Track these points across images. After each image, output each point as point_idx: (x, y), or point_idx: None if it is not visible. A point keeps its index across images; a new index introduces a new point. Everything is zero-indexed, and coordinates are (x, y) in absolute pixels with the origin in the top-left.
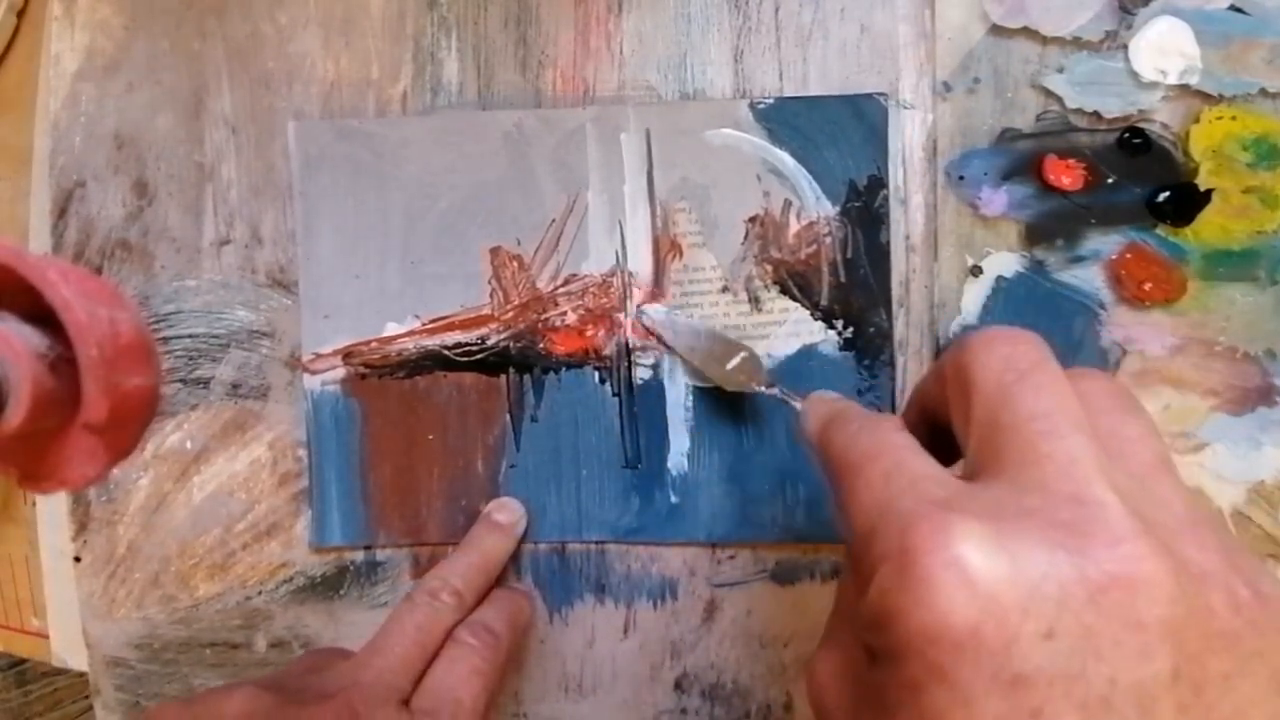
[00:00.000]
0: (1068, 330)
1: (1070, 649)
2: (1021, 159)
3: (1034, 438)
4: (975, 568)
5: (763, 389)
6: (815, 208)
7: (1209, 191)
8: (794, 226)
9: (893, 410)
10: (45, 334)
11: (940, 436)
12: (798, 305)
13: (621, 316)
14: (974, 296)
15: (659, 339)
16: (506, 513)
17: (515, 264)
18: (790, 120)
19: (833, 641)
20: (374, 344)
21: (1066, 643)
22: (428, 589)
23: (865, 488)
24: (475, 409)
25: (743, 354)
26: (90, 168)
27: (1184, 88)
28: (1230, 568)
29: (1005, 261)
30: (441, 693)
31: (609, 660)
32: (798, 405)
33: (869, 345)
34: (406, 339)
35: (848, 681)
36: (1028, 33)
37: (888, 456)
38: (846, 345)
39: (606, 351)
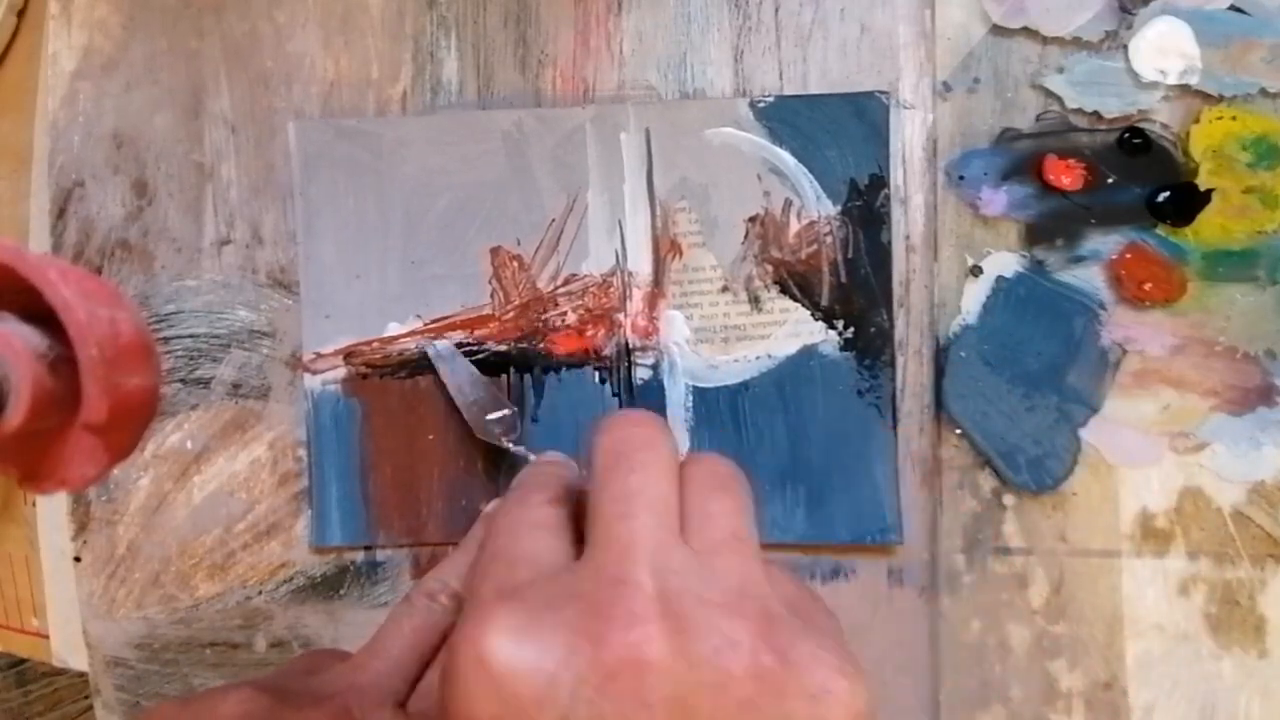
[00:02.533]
0: (1068, 330)
1: None
2: (1021, 159)
3: (611, 519)
4: (498, 662)
5: (510, 446)
6: (816, 207)
7: (1209, 191)
8: (794, 226)
9: (893, 413)
10: (45, 334)
11: None
12: (798, 305)
13: (621, 317)
14: (974, 296)
15: (434, 371)
16: None
17: (515, 264)
18: (791, 119)
19: None
20: (375, 344)
21: None
22: (425, 590)
23: (480, 567)
24: None
25: (504, 411)
26: (89, 167)
27: (1184, 88)
28: (760, 637)
29: (1005, 261)
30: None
31: None
32: (531, 457)
33: (869, 345)
34: (407, 339)
35: None
36: (1028, 33)
37: (508, 536)
38: (847, 345)
39: (606, 352)
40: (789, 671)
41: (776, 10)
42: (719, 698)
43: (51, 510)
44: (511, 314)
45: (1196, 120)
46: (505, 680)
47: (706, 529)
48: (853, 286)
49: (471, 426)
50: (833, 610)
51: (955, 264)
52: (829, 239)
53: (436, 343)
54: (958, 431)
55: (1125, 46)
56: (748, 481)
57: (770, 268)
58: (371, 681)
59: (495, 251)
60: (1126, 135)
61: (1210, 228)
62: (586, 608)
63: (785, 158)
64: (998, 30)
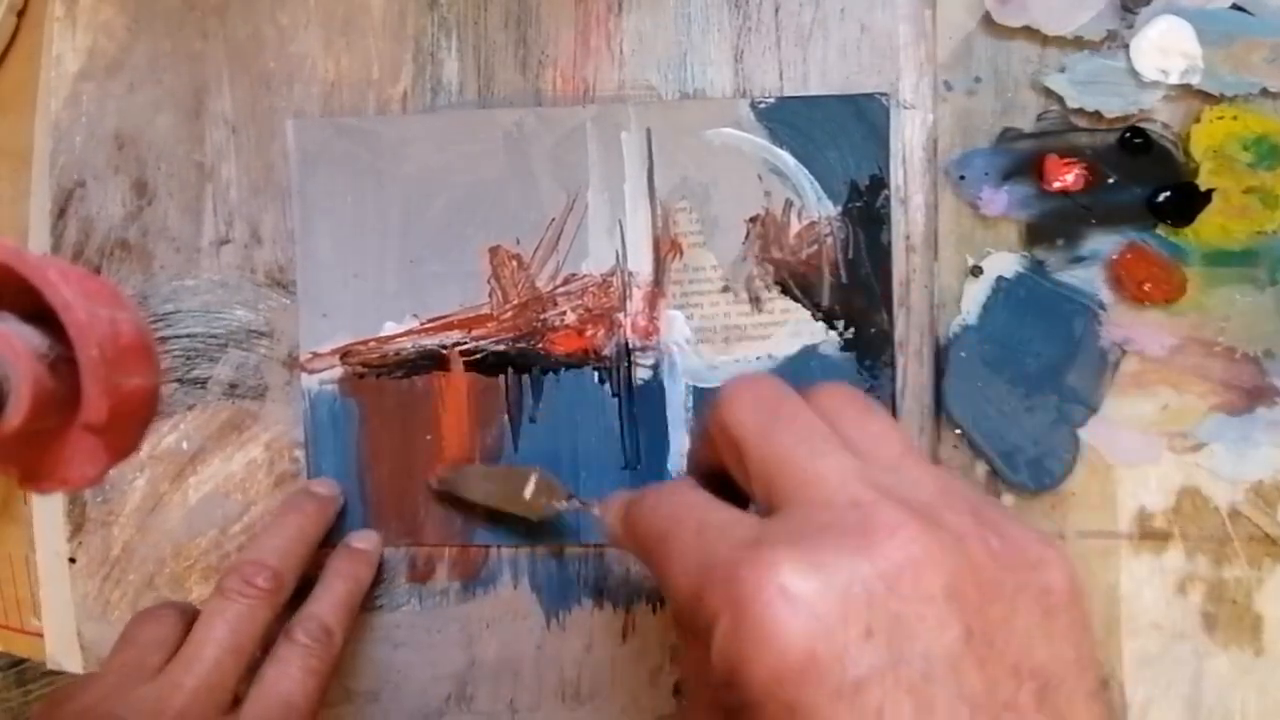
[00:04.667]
0: (1068, 330)
1: (888, 639)
2: (1022, 159)
3: (803, 461)
4: (796, 592)
5: (563, 505)
6: (816, 207)
7: (1209, 191)
8: (795, 226)
9: (893, 413)
10: (45, 334)
11: (726, 489)
12: (799, 305)
13: (621, 317)
14: (974, 296)
15: (454, 501)
16: (325, 487)
17: (514, 263)
18: (791, 120)
19: (692, 712)
20: (372, 343)
21: (884, 635)
22: (241, 575)
23: (680, 551)
24: (473, 409)
25: (534, 476)
26: (91, 167)
27: (1185, 87)
28: (980, 524)
29: (1005, 261)
30: (273, 698)
31: (608, 665)
32: (595, 512)
33: (870, 346)
34: (405, 338)
35: None
36: (1029, 32)
37: (692, 515)
38: (847, 346)
39: (606, 352)
40: (1011, 549)
41: (776, 10)
42: (976, 579)
43: (47, 511)
44: (510, 313)
45: (1197, 120)
46: (811, 607)
47: (879, 449)
48: (853, 287)
49: (524, 514)
50: None
51: (955, 264)
52: (829, 239)
53: (436, 476)
54: (957, 431)
55: (1127, 46)
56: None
57: (771, 268)
58: (189, 703)
59: (494, 251)
60: (1127, 135)
61: (1210, 228)
62: (844, 532)
63: (786, 158)
64: (998, 30)
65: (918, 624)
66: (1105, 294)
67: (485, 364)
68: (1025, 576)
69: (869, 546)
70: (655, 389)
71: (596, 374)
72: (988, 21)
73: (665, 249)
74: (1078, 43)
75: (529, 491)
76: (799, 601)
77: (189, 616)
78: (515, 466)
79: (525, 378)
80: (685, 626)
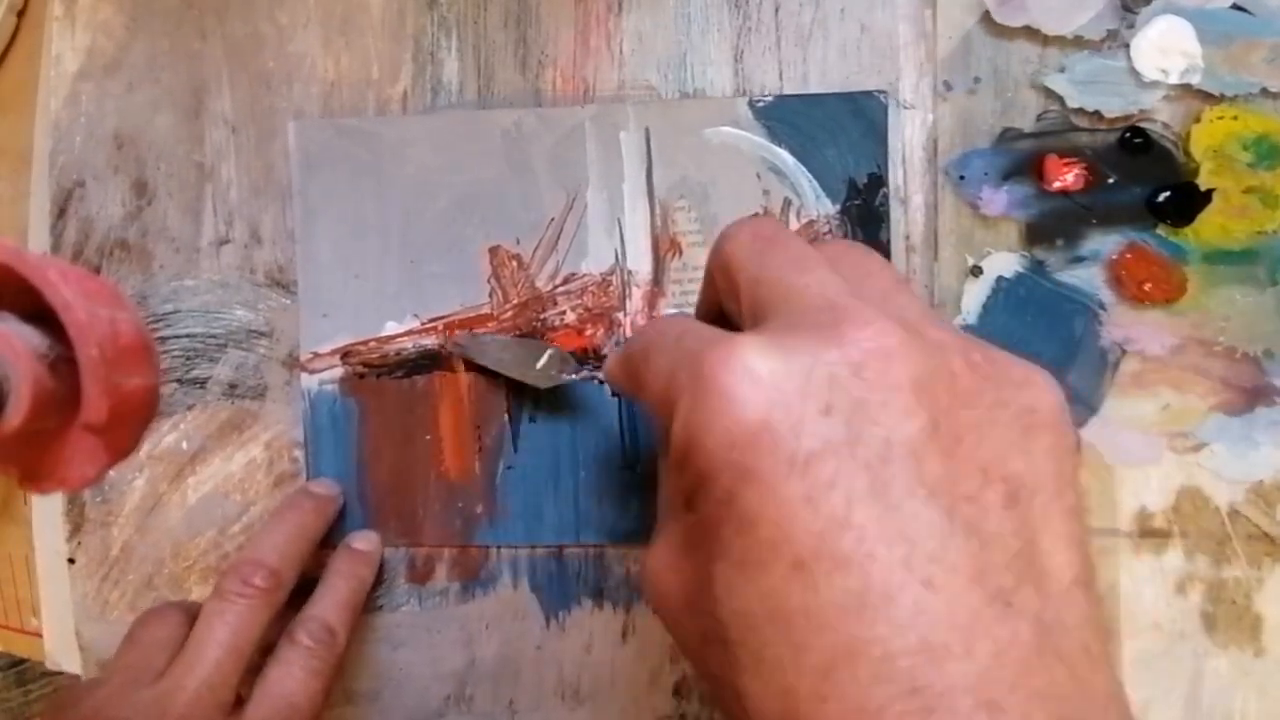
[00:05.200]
0: (1068, 330)
1: (847, 419)
2: (1022, 159)
3: (789, 276)
4: (757, 368)
5: (574, 376)
6: (815, 206)
7: (1209, 191)
8: (794, 225)
9: None
10: (45, 334)
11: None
12: None
13: (621, 316)
14: (974, 296)
15: (468, 362)
16: (324, 487)
17: (514, 263)
18: (790, 118)
19: (659, 533)
20: (372, 343)
21: (843, 415)
22: (240, 575)
23: (659, 355)
24: (473, 409)
25: (549, 351)
26: (90, 167)
27: (1185, 87)
28: (964, 340)
29: (1005, 261)
30: (277, 699)
31: (607, 665)
32: (601, 375)
33: None
34: (405, 338)
35: (677, 557)
36: (1028, 32)
37: (674, 327)
38: None
39: (606, 351)
40: (996, 366)
41: (776, 10)
42: (950, 384)
43: (47, 511)
44: (510, 313)
45: (1198, 120)
46: (770, 381)
47: (871, 281)
48: None
49: (534, 384)
50: None
51: (955, 264)
52: (828, 237)
53: (458, 335)
54: None
55: (1127, 46)
56: None
57: None
58: (191, 704)
59: (494, 250)
60: (1127, 135)
61: (1210, 228)
62: (817, 325)
63: (784, 157)
64: (998, 29)
65: (880, 409)
66: (1105, 294)
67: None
68: (1007, 393)
69: (838, 336)
70: None
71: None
72: (988, 21)
73: (664, 248)
74: (1078, 43)
75: (542, 362)
76: (758, 375)
77: (192, 615)
78: (533, 341)
79: None
80: (660, 436)
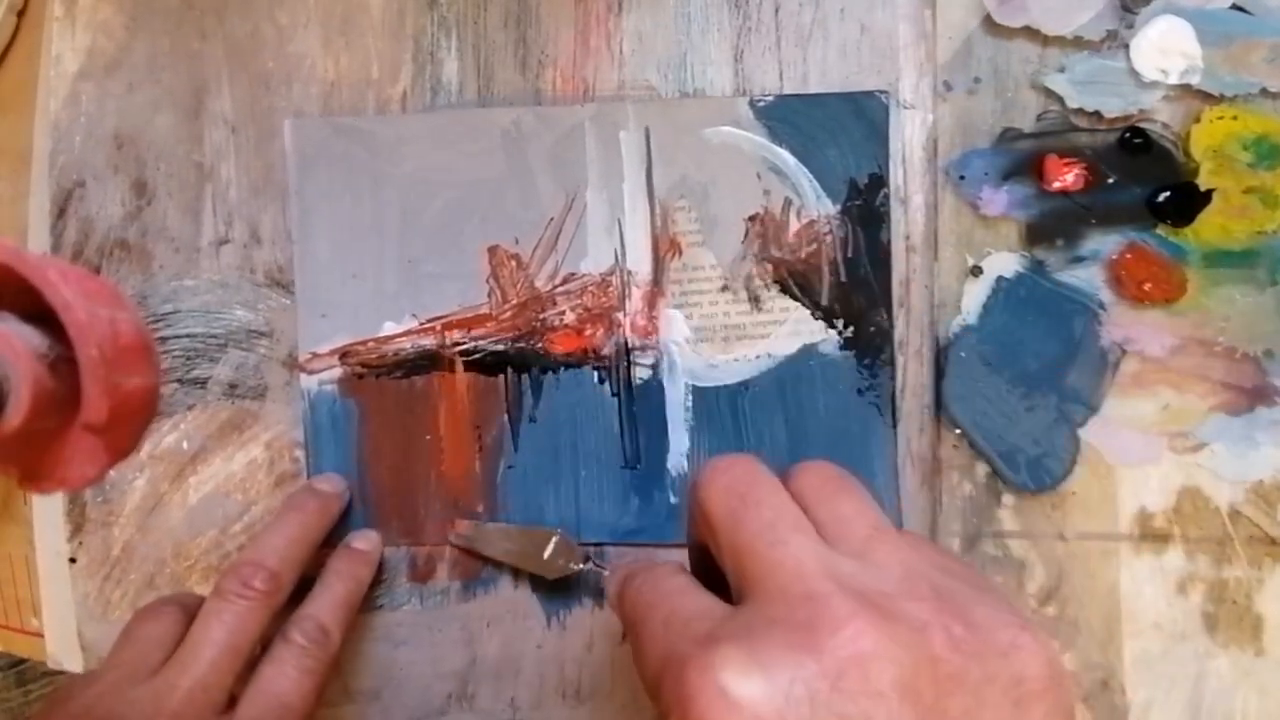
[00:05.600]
0: (1068, 330)
1: None
2: (1022, 159)
3: (764, 550)
4: (735, 693)
5: (581, 566)
6: (815, 206)
7: (1209, 191)
8: (794, 225)
9: (893, 412)
10: (45, 334)
11: (714, 560)
12: (798, 304)
13: (621, 316)
14: (974, 296)
15: (471, 553)
16: (330, 483)
17: (513, 263)
18: (790, 118)
19: None
20: (371, 343)
21: None
22: (239, 576)
23: (649, 639)
24: (473, 409)
25: (554, 538)
26: (90, 167)
27: (1185, 87)
28: (943, 611)
29: (1005, 261)
30: (269, 698)
31: (608, 664)
32: (606, 574)
33: (869, 345)
34: (404, 338)
35: None
36: (1028, 32)
37: (665, 603)
38: (847, 345)
39: (605, 351)
40: (978, 636)
41: (776, 10)
42: (934, 672)
43: (47, 511)
44: (509, 313)
45: (1197, 120)
46: (749, 709)
47: (847, 532)
48: (852, 286)
49: (541, 574)
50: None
51: (955, 264)
52: (829, 238)
53: (456, 531)
54: (957, 431)
55: (1126, 46)
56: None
57: (770, 267)
58: (184, 703)
59: (493, 250)
60: (1127, 135)
61: (1210, 228)
62: (792, 628)
63: (785, 157)
64: (998, 30)
65: None
66: (1105, 294)
67: (485, 364)
68: (993, 666)
69: (815, 643)
70: (655, 388)
71: (596, 373)
72: (988, 21)
73: (664, 248)
74: (1078, 43)
75: (548, 553)
76: (738, 705)
77: (190, 611)
78: (536, 528)
79: (525, 377)
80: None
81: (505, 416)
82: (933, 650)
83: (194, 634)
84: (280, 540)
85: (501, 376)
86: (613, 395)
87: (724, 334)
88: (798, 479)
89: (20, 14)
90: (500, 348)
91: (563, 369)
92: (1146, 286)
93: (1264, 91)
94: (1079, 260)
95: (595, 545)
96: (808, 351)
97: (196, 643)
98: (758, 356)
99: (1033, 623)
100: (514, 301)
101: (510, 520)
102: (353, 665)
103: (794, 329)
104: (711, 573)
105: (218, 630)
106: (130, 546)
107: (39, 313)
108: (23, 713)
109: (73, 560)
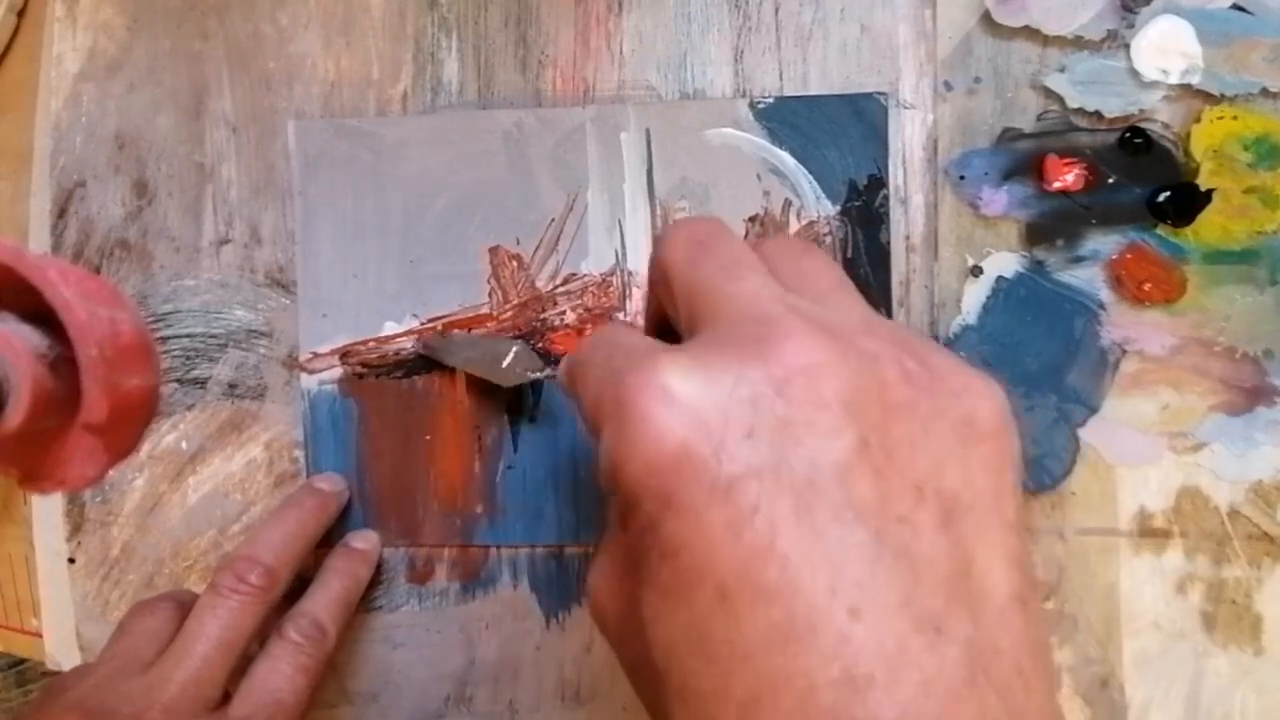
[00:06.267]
0: (1068, 330)
1: (770, 441)
2: (1022, 159)
3: (720, 284)
4: (676, 390)
5: (538, 374)
6: (815, 207)
7: (1209, 191)
8: (794, 226)
9: None
10: (45, 334)
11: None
12: None
13: (621, 316)
14: (974, 296)
15: (439, 362)
16: (329, 482)
17: (514, 263)
18: (790, 120)
19: (601, 549)
20: (372, 343)
21: (766, 437)
22: (235, 571)
23: (590, 374)
24: (473, 410)
25: (515, 348)
26: (91, 168)
27: (1185, 87)
28: (899, 348)
29: (1005, 261)
30: (263, 694)
31: (607, 665)
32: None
33: None
34: (404, 339)
35: (612, 578)
36: (1029, 32)
37: (607, 342)
38: None
39: None
40: (933, 376)
41: (776, 10)
42: (881, 396)
43: (47, 511)
44: (510, 313)
45: (1198, 120)
46: (689, 404)
47: (809, 283)
48: None
49: (500, 382)
50: None
51: (955, 264)
52: (828, 239)
53: (422, 339)
54: None
55: (1127, 46)
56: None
57: None
58: (177, 696)
59: (494, 251)
60: (1127, 135)
61: (1210, 228)
62: (742, 341)
63: (785, 158)
64: (998, 29)
65: (805, 429)
66: (1105, 294)
67: None
68: (945, 403)
69: (762, 352)
70: None
71: None
72: (988, 21)
73: None
74: (1078, 43)
75: (507, 360)
76: (677, 399)
77: (186, 606)
78: (500, 339)
79: None
80: (595, 446)
81: (505, 417)
82: (884, 376)
83: (188, 628)
84: (277, 536)
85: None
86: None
87: None
88: (763, 245)
89: (20, 14)
90: None
91: None
92: (1146, 286)
93: (1264, 91)
94: (1079, 260)
95: (596, 548)
96: None
97: (190, 637)
98: None
99: (989, 377)
100: (515, 302)
101: (510, 522)
102: (350, 666)
103: None
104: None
105: (212, 625)
106: (129, 547)
107: (39, 313)
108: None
109: (71, 560)
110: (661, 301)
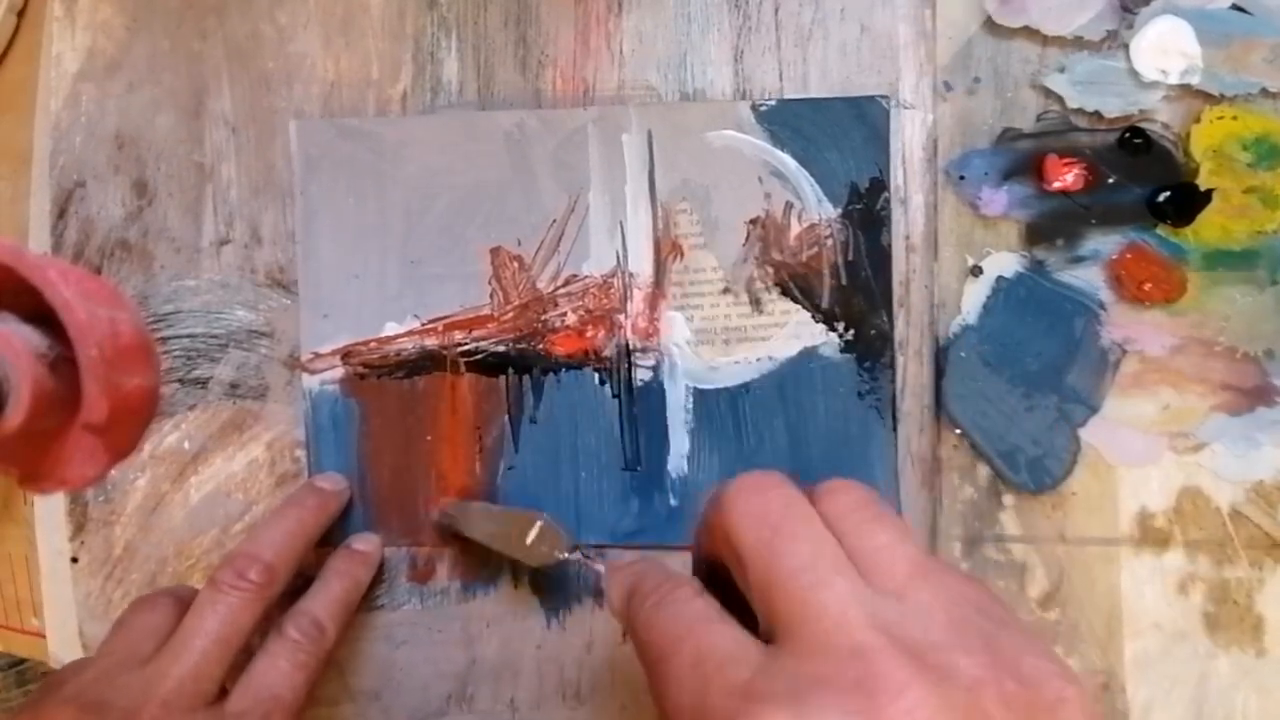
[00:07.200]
0: (1068, 330)
1: None
2: (1022, 159)
3: (803, 593)
4: None
5: (566, 555)
6: (816, 210)
7: (1209, 191)
8: (795, 228)
9: (893, 415)
10: (45, 334)
11: (730, 582)
12: (799, 307)
13: (622, 318)
14: (974, 296)
15: (456, 535)
16: (330, 481)
17: (515, 264)
18: (792, 122)
19: None
20: (373, 344)
21: None
22: (235, 568)
23: (676, 681)
24: (474, 410)
25: (539, 523)
26: (91, 168)
27: (1185, 87)
28: (995, 665)
29: (1005, 261)
30: (260, 690)
31: (608, 665)
32: (599, 568)
33: (870, 347)
34: (405, 339)
35: None
36: (1028, 32)
37: (691, 638)
38: (847, 347)
39: (606, 353)
40: (1028, 691)
41: (776, 10)
42: None
43: (49, 511)
44: (511, 314)
45: (1197, 120)
46: None
47: (885, 567)
48: (853, 289)
49: (523, 560)
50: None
51: (955, 264)
52: (829, 241)
53: (445, 503)
54: (957, 431)
55: (1126, 46)
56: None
57: (771, 270)
58: (174, 690)
59: (495, 251)
60: (1127, 135)
61: (1210, 228)
62: (843, 690)
63: (786, 160)
64: (998, 30)
65: None
66: (1105, 294)
67: (486, 364)
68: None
69: (870, 711)
70: (655, 390)
71: (597, 375)
72: (988, 22)
73: (666, 250)
74: (1078, 43)
75: (531, 537)
76: None
77: (185, 602)
78: (520, 510)
79: (526, 378)
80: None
81: (506, 417)
82: (987, 710)
83: (187, 624)
84: (277, 534)
85: (503, 377)
86: (613, 397)
87: (725, 336)
88: (828, 501)
89: (20, 14)
90: (502, 349)
91: (564, 370)
92: (1146, 286)
93: (1264, 91)
94: (1079, 260)
95: (595, 547)
96: (808, 354)
97: (189, 632)
98: (758, 359)
99: (1070, 670)
100: (516, 302)
101: None
102: (352, 665)
103: (795, 332)
104: (720, 584)
105: (210, 621)
106: (132, 546)
107: (39, 313)
108: None
109: (74, 560)
110: (720, 554)
